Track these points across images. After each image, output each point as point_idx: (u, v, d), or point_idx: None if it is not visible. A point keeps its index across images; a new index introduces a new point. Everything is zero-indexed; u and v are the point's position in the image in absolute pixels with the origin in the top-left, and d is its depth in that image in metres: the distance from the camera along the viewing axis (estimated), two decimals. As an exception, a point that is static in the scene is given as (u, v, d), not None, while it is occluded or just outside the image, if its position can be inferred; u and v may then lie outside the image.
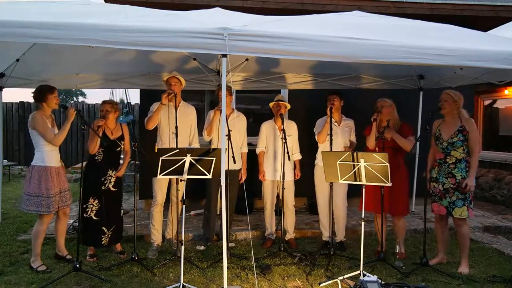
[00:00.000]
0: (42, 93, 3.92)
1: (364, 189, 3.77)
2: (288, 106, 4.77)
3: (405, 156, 4.33)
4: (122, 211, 4.47)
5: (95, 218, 4.18)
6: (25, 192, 3.84)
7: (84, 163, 4.08)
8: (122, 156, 4.53)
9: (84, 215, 4.15)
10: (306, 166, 4.88)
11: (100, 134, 4.09)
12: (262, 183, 4.85)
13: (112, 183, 4.26)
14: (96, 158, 4.19)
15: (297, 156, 4.83)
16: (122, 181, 4.53)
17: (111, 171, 4.25)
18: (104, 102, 4.36)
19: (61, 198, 4.00)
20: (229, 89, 4.00)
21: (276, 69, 5.51)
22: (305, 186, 4.97)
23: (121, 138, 4.35)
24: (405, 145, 4.17)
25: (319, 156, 4.71)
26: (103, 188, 4.20)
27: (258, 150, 4.88)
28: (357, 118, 4.77)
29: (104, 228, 4.22)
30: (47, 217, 3.93)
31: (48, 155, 3.88)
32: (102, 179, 4.20)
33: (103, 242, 4.24)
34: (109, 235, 4.26)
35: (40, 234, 3.95)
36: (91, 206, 4.17)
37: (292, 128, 4.81)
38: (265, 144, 4.84)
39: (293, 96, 6.12)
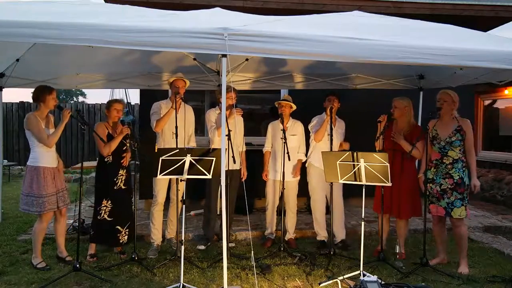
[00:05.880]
0: (41, 93, 3.92)
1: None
2: (294, 107, 4.77)
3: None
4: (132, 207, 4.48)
5: (108, 218, 4.21)
6: (21, 191, 3.93)
7: (85, 163, 4.07)
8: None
9: (98, 217, 4.19)
10: (304, 166, 4.86)
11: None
12: (266, 182, 4.87)
13: (123, 182, 4.31)
14: (106, 160, 4.21)
15: (300, 156, 4.81)
16: (131, 179, 4.48)
17: (122, 170, 4.29)
18: (116, 101, 4.32)
19: (59, 198, 4.00)
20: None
21: (277, 69, 5.50)
22: (305, 186, 4.96)
23: (125, 137, 4.35)
24: (407, 148, 4.11)
25: (312, 155, 4.73)
26: (115, 188, 4.24)
27: (264, 150, 4.90)
28: (361, 118, 4.77)
29: (118, 227, 4.25)
30: (45, 216, 3.95)
31: (41, 155, 3.90)
32: (114, 179, 4.23)
33: (121, 241, 4.29)
34: (126, 232, 4.31)
35: (37, 231, 4.00)
36: (104, 207, 4.20)
37: (297, 128, 4.81)
38: (271, 144, 4.86)
39: (293, 97, 6.11)
